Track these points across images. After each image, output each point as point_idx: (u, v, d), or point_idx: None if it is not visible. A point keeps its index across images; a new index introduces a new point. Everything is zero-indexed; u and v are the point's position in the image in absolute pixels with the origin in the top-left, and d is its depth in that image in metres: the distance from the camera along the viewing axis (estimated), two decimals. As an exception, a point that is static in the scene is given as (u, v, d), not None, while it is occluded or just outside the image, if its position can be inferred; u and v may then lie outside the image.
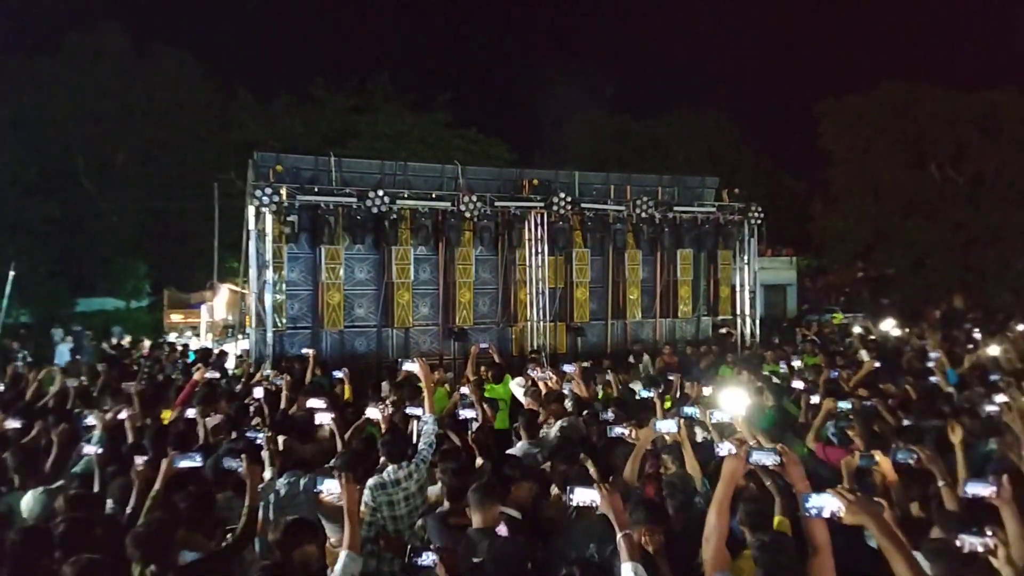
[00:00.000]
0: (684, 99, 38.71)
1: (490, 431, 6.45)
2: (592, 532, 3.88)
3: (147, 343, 17.36)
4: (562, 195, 13.93)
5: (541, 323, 14.19)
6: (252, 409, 7.58)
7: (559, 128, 37.52)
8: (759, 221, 16.09)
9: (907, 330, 16.93)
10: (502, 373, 9.15)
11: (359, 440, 5.91)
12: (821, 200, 33.38)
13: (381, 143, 28.93)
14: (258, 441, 5.44)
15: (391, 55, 57.89)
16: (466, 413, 6.73)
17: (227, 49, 43.48)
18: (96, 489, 5.06)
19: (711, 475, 4.64)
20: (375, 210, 12.59)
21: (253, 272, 12.58)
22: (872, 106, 30.17)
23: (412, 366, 6.06)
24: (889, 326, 17.48)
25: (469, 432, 6.31)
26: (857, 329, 18.17)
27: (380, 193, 12.57)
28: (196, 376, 8.44)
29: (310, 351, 10.31)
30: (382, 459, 5.07)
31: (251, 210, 12.42)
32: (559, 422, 6.62)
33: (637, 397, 8.00)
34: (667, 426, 5.08)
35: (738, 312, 16.46)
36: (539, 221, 14.09)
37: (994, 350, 11.24)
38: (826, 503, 2.82)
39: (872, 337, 16.02)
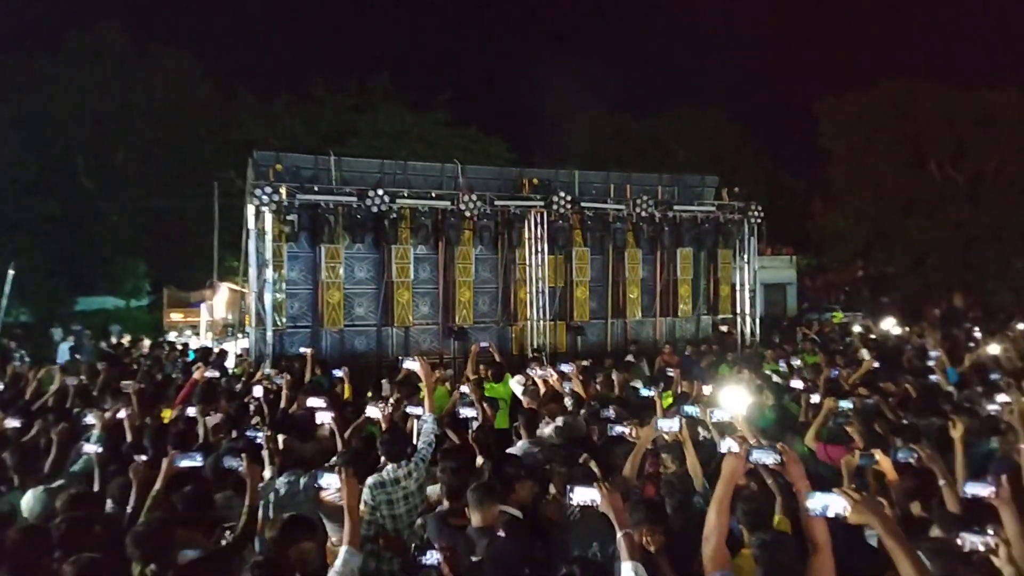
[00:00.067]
0: (684, 98, 38.68)
1: (490, 430, 6.44)
2: (594, 531, 3.88)
3: (147, 342, 17.35)
4: (562, 194, 13.94)
5: (541, 322, 14.20)
6: (252, 408, 7.58)
7: (559, 127, 37.51)
8: (759, 220, 16.10)
9: (907, 329, 16.92)
10: (502, 372, 9.15)
11: (359, 439, 5.90)
12: (821, 199, 33.38)
13: (381, 142, 28.93)
14: (258, 440, 5.44)
15: (391, 54, 57.96)
16: (466, 412, 6.72)
17: (227, 48, 43.47)
18: (96, 488, 5.06)
19: (711, 475, 4.64)
20: (375, 209, 12.59)
21: (253, 271, 12.59)
22: (872, 105, 30.16)
23: (413, 365, 6.05)
24: (889, 325, 17.48)
25: (469, 431, 6.30)
26: (857, 328, 18.17)
27: (380, 192, 12.57)
28: (196, 375, 8.43)
29: (308, 350, 10.31)
30: (382, 458, 5.07)
31: (251, 209, 12.42)
32: (555, 421, 6.61)
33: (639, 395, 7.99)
34: (668, 425, 5.08)
35: (738, 311, 16.46)
36: (539, 220, 14.09)
37: (994, 349, 11.24)
38: (831, 502, 2.81)
39: (872, 336, 16.03)
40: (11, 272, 15.82)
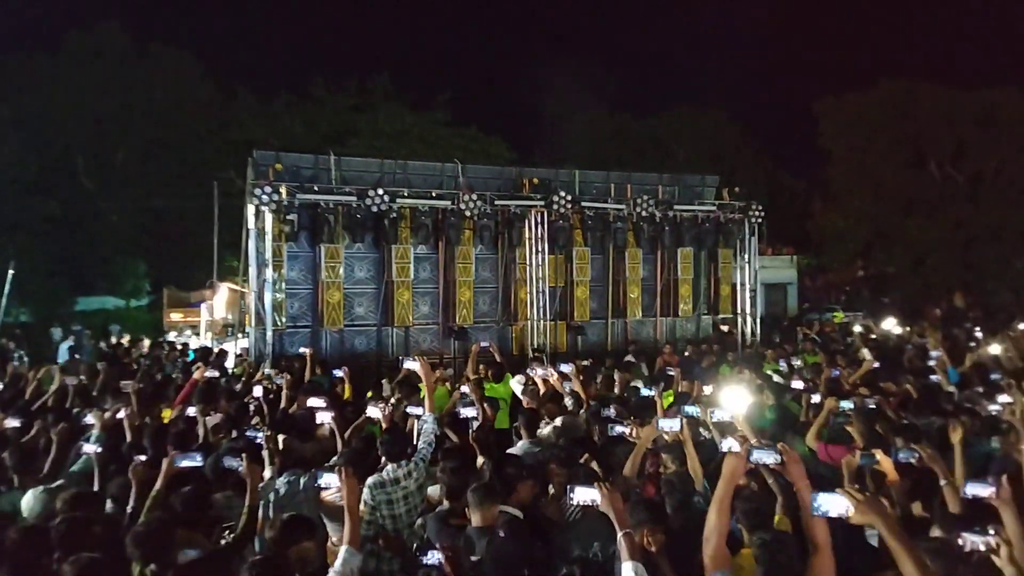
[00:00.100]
0: (684, 98, 38.71)
1: (490, 430, 6.43)
2: (595, 531, 3.87)
3: (147, 342, 17.35)
4: (562, 194, 13.93)
5: (541, 322, 14.20)
6: (252, 408, 7.57)
7: (559, 127, 37.52)
8: (759, 220, 16.10)
9: (908, 329, 16.91)
10: (502, 372, 9.14)
11: (359, 439, 5.90)
12: (821, 199, 33.40)
13: (381, 142, 28.94)
14: (258, 440, 5.43)
15: (391, 54, 57.95)
16: (467, 412, 6.72)
17: (227, 48, 43.47)
18: (96, 488, 5.06)
19: (711, 474, 4.64)
20: (375, 209, 12.59)
21: (253, 271, 12.58)
22: (872, 105, 30.17)
23: (413, 364, 6.05)
24: (890, 325, 17.48)
25: (470, 431, 6.30)
26: (858, 328, 18.16)
27: (380, 192, 12.57)
28: (196, 375, 8.42)
29: (307, 350, 10.31)
30: (382, 458, 5.06)
31: (251, 209, 12.42)
32: (554, 421, 6.61)
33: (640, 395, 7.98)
34: (669, 425, 5.08)
35: (738, 311, 16.46)
36: (539, 220, 14.08)
37: (995, 349, 11.23)
38: (834, 503, 2.81)
39: (873, 336, 16.02)
40: (11, 272, 15.81)
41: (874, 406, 6.87)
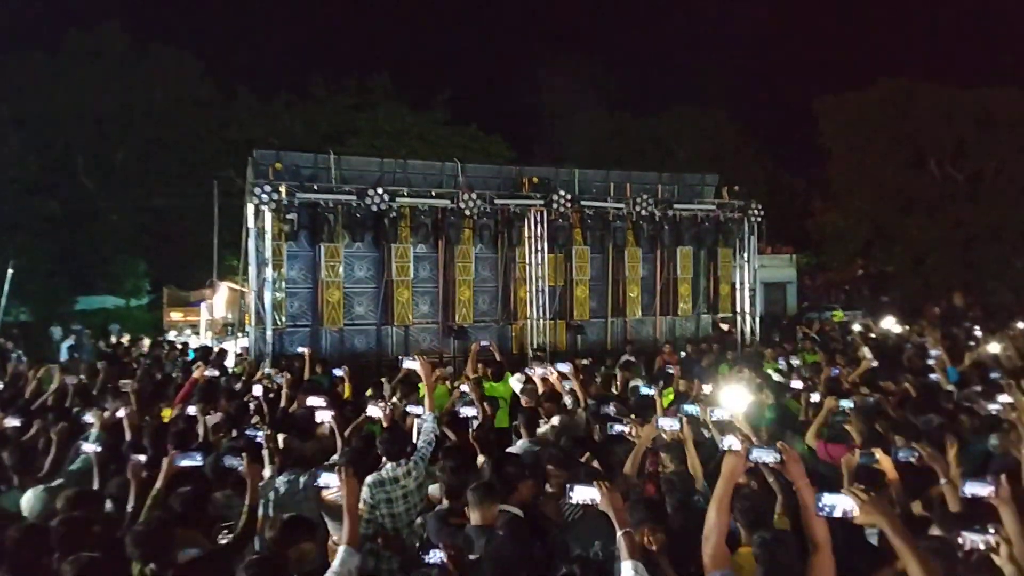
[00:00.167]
0: (684, 97, 38.63)
1: (490, 429, 6.43)
2: (596, 530, 3.87)
3: (146, 341, 17.35)
4: (562, 193, 13.93)
5: (541, 321, 14.19)
6: (252, 407, 7.58)
7: (559, 126, 37.50)
8: (759, 219, 16.09)
9: (907, 328, 16.91)
10: (502, 371, 9.15)
11: (359, 438, 5.90)
12: (821, 198, 33.40)
13: (380, 141, 28.96)
14: (258, 439, 5.43)
15: (391, 53, 57.78)
16: (467, 411, 6.72)
17: (227, 47, 43.28)
18: (95, 487, 5.06)
19: (711, 474, 4.64)
20: (375, 208, 12.59)
21: (253, 270, 12.58)
22: (871, 104, 30.15)
23: (413, 364, 6.06)
24: (889, 324, 17.47)
25: (470, 430, 6.30)
26: (857, 327, 18.16)
27: (380, 191, 12.57)
28: (196, 374, 8.43)
29: (306, 349, 10.31)
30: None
31: (250, 208, 12.42)
32: (551, 420, 6.61)
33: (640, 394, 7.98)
34: (669, 424, 5.08)
35: (738, 310, 16.46)
36: (539, 219, 14.08)
37: (994, 348, 11.24)
38: (839, 502, 2.82)
39: (872, 335, 16.02)
40: (10, 271, 15.81)
41: (869, 405, 6.87)
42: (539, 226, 14.10)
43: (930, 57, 48.25)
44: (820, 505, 2.86)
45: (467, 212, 13.29)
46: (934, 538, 3.49)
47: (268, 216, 12.19)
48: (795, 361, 10.78)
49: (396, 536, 4.63)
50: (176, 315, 23.34)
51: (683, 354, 12.86)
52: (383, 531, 4.62)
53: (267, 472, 5.04)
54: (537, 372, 8.05)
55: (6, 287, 16.01)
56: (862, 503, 2.74)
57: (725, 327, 16.99)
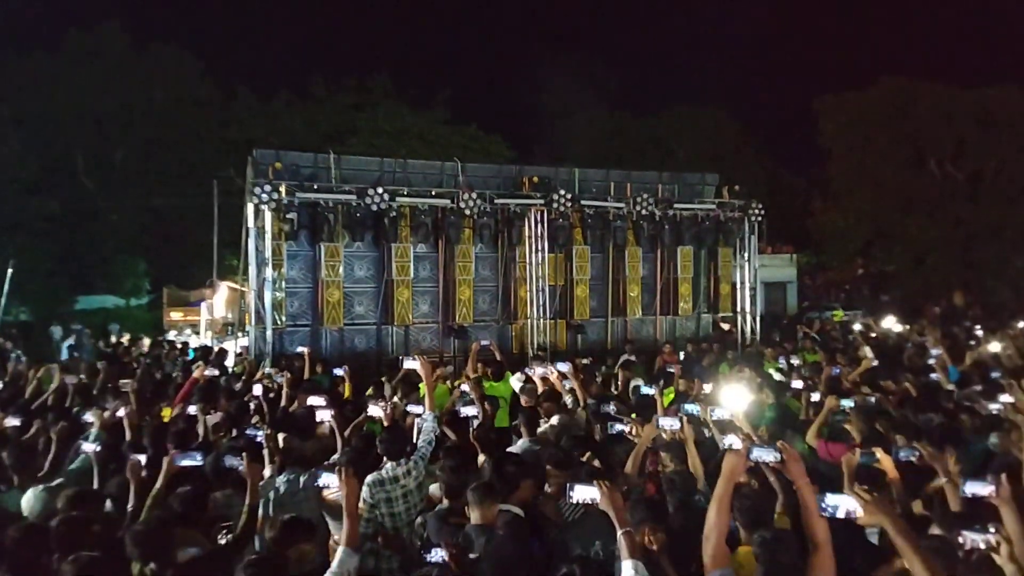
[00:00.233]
0: (684, 96, 38.67)
1: (490, 428, 6.43)
2: (597, 530, 3.86)
3: (146, 341, 17.34)
4: (562, 192, 13.93)
5: (541, 320, 14.20)
6: (252, 407, 7.58)
7: (559, 125, 37.49)
8: (759, 218, 16.09)
9: (907, 327, 16.91)
10: (502, 371, 9.14)
11: (360, 437, 5.89)
12: (821, 197, 33.34)
13: (380, 140, 28.94)
14: (258, 439, 5.43)
15: (391, 53, 57.81)
16: (467, 411, 6.72)
17: (226, 47, 43.36)
18: (95, 487, 5.05)
19: (711, 473, 4.63)
20: (374, 207, 12.59)
21: (253, 270, 12.58)
22: (871, 103, 30.10)
23: (413, 364, 6.05)
24: (889, 323, 17.47)
25: (470, 430, 6.29)
26: (857, 326, 18.16)
27: (379, 190, 12.57)
28: (196, 374, 8.43)
29: (305, 349, 10.30)
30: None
31: (250, 207, 12.42)
32: (550, 420, 6.61)
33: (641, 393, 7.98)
34: (670, 423, 5.08)
35: (738, 309, 16.46)
36: (539, 218, 14.08)
37: (995, 347, 11.23)
38: (842, 503, 2.82)
39: (873, 334, 16.01)
40: (10, 271, 15.80)
41: (870, 405, 6.86)
42: (539, 226, 14.10)
43: (930, 57, 48.34)
44: (823, 506, 2.86)
45: (467, 212, 13.29)
46: (934, 537, 3.49)
47: (268, 216, 12.19)
48: (795, 361, 10.78)
49: (396, 535, 4.63)
50: (176, 315, 23.35)
51: (683, 354, 12.86)
52: (383, 530, 4.62)
53: (267, 472, 5.04)
54: (537, 372, 8.05)
55: (6, 286, 16.00)
56: (865, 504, 2.74)
57: (726, 327, 16.99)
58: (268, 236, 12.21)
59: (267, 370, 10.13)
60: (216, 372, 9.08)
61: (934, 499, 4.32)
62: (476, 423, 6.48)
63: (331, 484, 3.94)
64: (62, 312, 24.57)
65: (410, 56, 50.61)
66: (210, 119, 30.61)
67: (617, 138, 36.80)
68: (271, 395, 8.06)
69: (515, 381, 8.53)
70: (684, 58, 56.55)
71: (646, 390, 7.64)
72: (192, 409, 6.77)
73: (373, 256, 13.51)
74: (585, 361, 10.80)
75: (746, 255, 16.30)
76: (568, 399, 7.28)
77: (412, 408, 6.22)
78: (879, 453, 4.56)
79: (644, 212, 14.66)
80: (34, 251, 24.15)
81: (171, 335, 19.94)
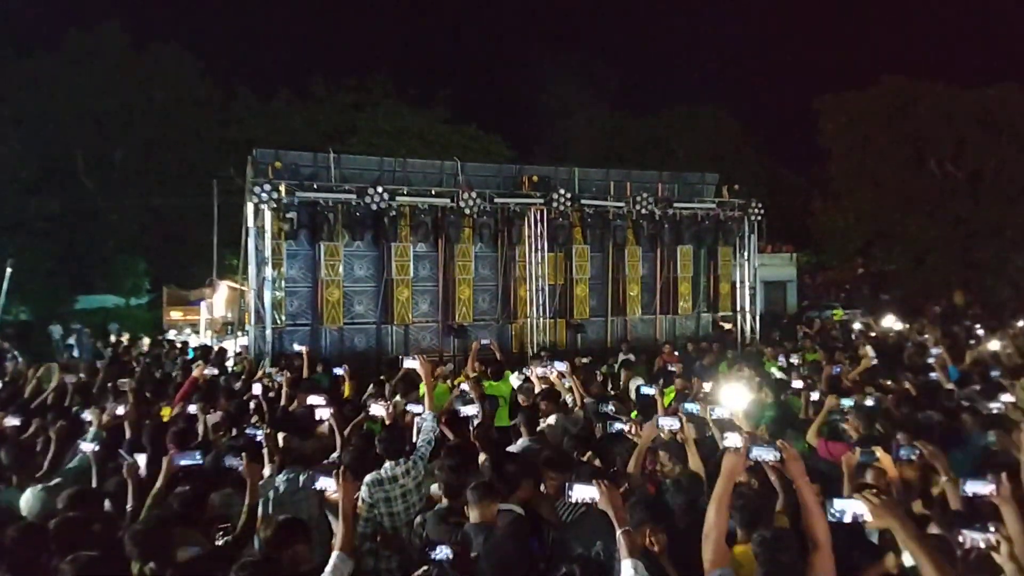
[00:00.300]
0: (684, 96, 38.72)
1: (490, 427, 6.43)
2: (597, 530, 3.85)
3: (146, 340, 17.34)
4: (562, 191, 13.93)
5: (541, 320, 14.20)
6: (252, 406, 7.57)
7: (559, 125, 37.49)
8: (759, 217, 16.10)
9: (908, 326, 16.91)
10: (502, 370, 9.14)
11: (359, 436, 5.89)
12: (821, 196, 33.33)
13: (380, 140, 28.92)
14: (258, 438, 5.43)
15: (391, 52, 57.80)
16: (467, 410, 6.71)
17: (226, 46, 43.33)
18: (94, 486, 5.05)
19: (711, 472, 4.62)
20: (374, 207, 12.59)
21: (252, 269, 12.58)
22: (871, 102, 30.08)
23: (413, 363, 6.05)
24: (890, 322, 17.47)
25: (470, 429, 6.28)
26: (857, 325, 18.16)
27: (379, 190, 12.57)
28: (195, 373, 8.42)
29: (303, 348, 10.30)
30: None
31: (250, 207, 12.42)
32: (547, 419, 6.61)
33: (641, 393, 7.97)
34: (669, 423, 5.07)
35: (738, 308, 16.47)
36: (539, 217, 14.08)
37: (994, 345, 11.23)
38: (849, 507, 2.81)
39: (873, 333, 16.01)
40: (9, 269, 15.78)
41: (871, 403, 6.86)
42: (539, 225, 14.10)
43: (930, 57, 48.34)
44: (831, 511, 2.85)
45: (467, 211, 13.29)
46: (934, 536, 3.49)
47: (268, 215, 12.19)
48: (795, 359, 10.78)
49: (395, 535, 4.62)
50: (176, 314, 23.36)
51: (678, 353, 12.85)
52: (381, 530, 4.61)
53: (267, 471, 5.03)
54: (537, 371, 8.05)
55: (5, 285, 15.98)
56: (874, 507, 2.74)
57: (726, 326, 17.00)
58: (268, 235, 12.21)
59: (267, 369, 10.14)
60: (216, 371, 9.08)
61: (935, 498, 4.31)
62: (476, 422, 6.48)
63: (329, 487, 3.93)
64: (62, 312, 24.54)
65: (410, 56, 50.58)
66: (210, 119, 30.60)
67: (617, 138, 36.80)
68: (271, 394, 8.06)
69: (515, 380, 8.54)
70: (684, 58, 56.62)
71: (646, 390, 7.64)
72: (192, 408, 6.76)
73: (373, 255, 13.51)
74: (585, 360, 10.80)
75: (746, 254, 16.31)
76: (568, 398, 7.28)
77: (412, 407, 6.22)
78: (879, 452, 4.56)
79: (644, 211, 14.66)
80: (34, 251, 24.14)
81: (171, 334, 19.93)
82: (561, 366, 8.01)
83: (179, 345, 15.68)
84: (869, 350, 11.10)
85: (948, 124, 28.75)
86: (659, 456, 5.22)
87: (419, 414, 5.73)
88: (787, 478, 3.77)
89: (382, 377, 8.94)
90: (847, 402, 6.50)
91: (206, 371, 8.53)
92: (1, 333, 18.05)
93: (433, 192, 13.52)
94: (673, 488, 4.60)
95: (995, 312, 22.31)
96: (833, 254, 34.33)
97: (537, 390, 7.55)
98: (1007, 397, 6.78)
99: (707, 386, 7.81)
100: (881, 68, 32.88)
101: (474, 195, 13.25)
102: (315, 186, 12.64)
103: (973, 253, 28.94)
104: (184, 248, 28.06)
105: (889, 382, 8.61)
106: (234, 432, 6.28)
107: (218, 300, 19.76)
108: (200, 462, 4.67)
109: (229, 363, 12.56)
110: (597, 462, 5.11)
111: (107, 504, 4.61)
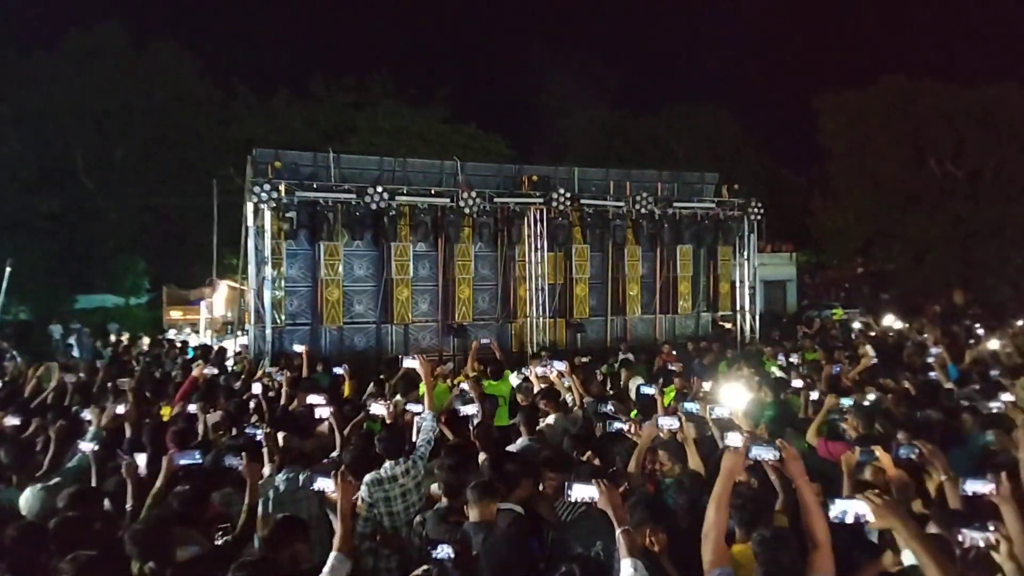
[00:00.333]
0: (684, 95, 38.72)
1: (490, 427, 6.43)
2: (598, 529, 3.85)
3: (146, 340, 17.33)
4: (561, 191, 13.93)
5: (541, 319, 14.20)
6: (252, 405, 7.57)
7: (558, 124, 37.50)
8: (759, 217, 16.09)
9: (907, 325, 16.91)
10: (502, 370, 9.14)
11: (359, 436, 5.89)
12: (821, 196, 33.33)
13: (380, 139, 28.92)
14: (258, 437, 5.43)
15: (390, 51, 57.90)
16: (466, 410, 6.71)
17: (226, 46, 43.34)
18: (93, 486, 5.04)
19: (711, 472, 4.62)
20: (374, 206, 12.59)
21: (252, 268, 12.58)
22: (871, 101, 30.08)
23: (412, 363, 6.05)
24: (889, 322, 17.47)
25: (470, 428, 6.29)
26: (857, 325, 18.16)
27: (379, 189, 12.57)
28: (195, 372, 8.42)
29: (302, 347, 10.30)
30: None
31: (250, 206, 12.42)
32: (546, 419, 6.61)
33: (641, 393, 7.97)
34: (669, 422, 5.07)
35: (738, 308, 16.47)
36: (538, 217, 14.08)
37: (994, 345, 11.23)
38: (851, 508, 2.81)
39: (872, 333, 16.01)
40: (8, 269, 15.75)
41: (870, 402, 6.86)
42: (539, 224, 14.10)
43: (930, 56, 48.34)
44: (834, 512, 2.85)
45: (467, 210, 13.29)
46: (933, 535, 3.49)
47: (268, 214, 12.18)
48: (794, 359, 10.78)
49: (394, 535, 4.62)
50: (176, 313, 23.36)
51: (678, 352, 12.84)
52: (381, 530, 4.61)
53: (266, 470, 5.04)
54: (536, 371, 8.05)
55: (4, 285, 15.97)
56: (876, 507, 2.74)
57: (725, 325, 17.00)
58: (268, 235, 12.20)
59: (267, 369, 10.13)
60: (215, 371, 9.09)
61: (934, 497, 4.31)
62: (475, 422, 6.48)
63: (327, 488, 3.93)
64: (62, 311, 24.53)
65: (410, 55, 50.60)
66: (210, 118, 30.59)
67: (617, 137, 36.79)
68: (271, 394, 8.06)
69: (514, 380, 8.54)
70: (684, 57, 56.62)
71: (646, 389, 7.64)
72: (192, 408, 6.77)
73: (372, 255, 13.51)
74: (584, 360, 10.80)
75: (745, 254, 16.30)
76: (568, 398, 7.28)
77: (411, 407, 6.22)
78: (878, 451, 4.56)
79: (643, 211, 14.66)
80: (34, 250, 24.10)
81: (171, 334, 19.93)
82: (560, 365, 8.00)
83: (179, 345, 15.67)
84: (869, 349, 11.09)
85: (948, 123, 28.74)
86: (659, 456, 5.22)
87: (419, 413, 5.73)
88: (786, 477, 3.77)
89: (382, 377, 8.95)
90: (847, 401, 6.50)
91: (206, 371, 8.54)
92: (1, 333, 18.05)
93: (433, 192, 13.52)
94: (675, 487, 4.61)
95: (995, 311, 22.30)
96: (833, 253, 34.35)
97: (536, 389, 7.55)
98: (1007, 396, 6.77)
99: (707, 385, 7.81)
100: (881, 67, 32.99)
101: (474, 195, 13.25)
102: (315, 186, 12.64)
103: (973, 252, 28.93)
104: (184, 248, 28.07)
105: (889, 381, 8.60)
106: (234, 432, 6.28)
107: (218, 300, 19.76)
108: (200, 461, 4.67)
109: (229, 363, 12.55)
110: (597, 462, 5.10)
111: (107, 504, 4.62)
